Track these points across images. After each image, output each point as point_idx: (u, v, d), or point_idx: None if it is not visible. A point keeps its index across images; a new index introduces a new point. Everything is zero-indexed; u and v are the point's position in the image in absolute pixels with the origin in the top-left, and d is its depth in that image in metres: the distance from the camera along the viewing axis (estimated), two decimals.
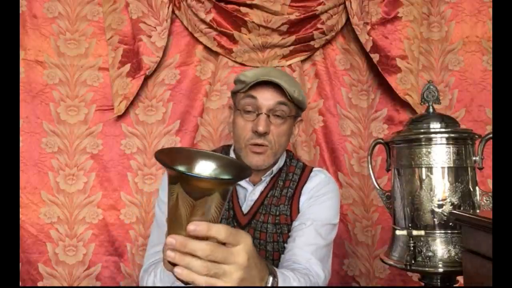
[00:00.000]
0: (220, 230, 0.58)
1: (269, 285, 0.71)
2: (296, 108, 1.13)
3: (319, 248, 1.02)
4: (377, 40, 1.59)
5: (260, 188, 1.14)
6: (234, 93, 1.17)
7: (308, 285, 0.88)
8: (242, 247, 0.60)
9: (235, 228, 0.64)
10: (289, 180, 1.14)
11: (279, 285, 0.75)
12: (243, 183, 1.14)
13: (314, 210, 1.08)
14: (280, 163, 1.17)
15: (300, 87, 1.15)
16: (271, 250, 1.07)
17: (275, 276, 0.73)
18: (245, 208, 1.12)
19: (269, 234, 1.08)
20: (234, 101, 1.17)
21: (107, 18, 1.61)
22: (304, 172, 1.16)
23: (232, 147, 1.20)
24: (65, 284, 1.56)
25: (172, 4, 1.60)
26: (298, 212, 1.09)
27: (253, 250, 0.63)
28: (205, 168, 0.64)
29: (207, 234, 0.57)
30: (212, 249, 0.58)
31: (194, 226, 0.57)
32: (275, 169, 1.15)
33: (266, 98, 1.07)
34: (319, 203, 1.09)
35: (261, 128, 1.05)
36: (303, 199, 1.11)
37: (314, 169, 1.18)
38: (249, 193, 1.14)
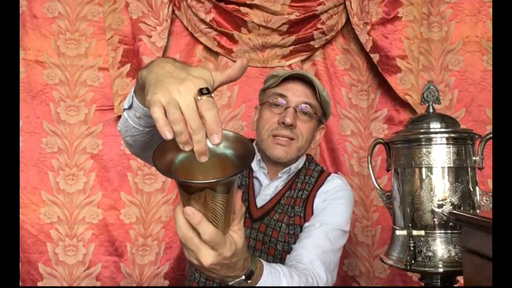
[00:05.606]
0: (206, 232, 0.58)
1: (236, 281, 0.69)
2: (321, 111, 1.15)
3: (325, 251, 1.00)
4: (377, 40, 1.59)
5: (275, 184, 1.14)
6: (263, 91, 1.19)
7: (303, 283, 0.86)
8: (215, 254, 0.61)
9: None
10: (305, 183, 1.14)
11: (266, 278, 0.74)
12: (260, 175, 1.15)
13: (326, 213, 1.07)
14: (299, 164, 1.17)
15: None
16: (280, 249, 1.07)
17: (252, 273, 0.70)
18: (259, 202, 1.12)
19: (282, 234, 1.07)
20: (262, 98, 1.18)
21: (107, 18, 1.61)
22: (321, 176, 1.16)
23: (255, 142, 1.20)
24: (65, 284, 1.56)
25: (172, 4, 1.60)
26: (312, 214, 1.09)
27: (227, 261, 0.63)
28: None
29: (195, 226, 0.58)
30: (191, 236, 0.60)
31: (190, 213, 0.57)
32: (293, 167, 1.14)
33: (296, 94, 1.10)
34: (332, 207, 1.09)
35: (288, 120, 1.06)
36: (317, 201, 1.11)
37: (332, 174, 1.19)
38: (264, 187, 1.14)
